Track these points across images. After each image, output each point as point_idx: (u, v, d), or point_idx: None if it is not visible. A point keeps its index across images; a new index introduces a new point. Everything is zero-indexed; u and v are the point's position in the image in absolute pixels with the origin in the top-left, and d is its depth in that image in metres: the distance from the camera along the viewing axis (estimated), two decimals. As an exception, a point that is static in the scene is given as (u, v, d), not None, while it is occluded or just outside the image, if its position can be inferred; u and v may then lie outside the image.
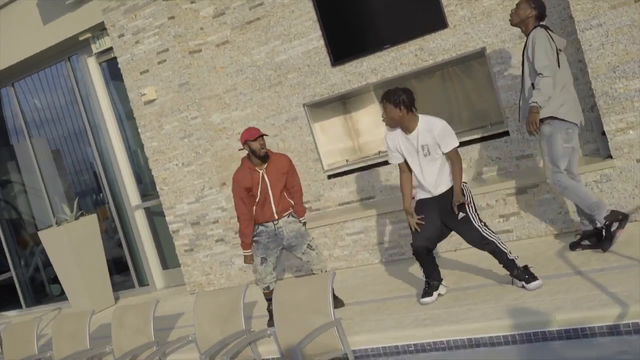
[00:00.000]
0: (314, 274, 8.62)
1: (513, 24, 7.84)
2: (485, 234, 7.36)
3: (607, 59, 8.02)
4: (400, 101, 7.43)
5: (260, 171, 8.40)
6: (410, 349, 7.15)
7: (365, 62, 10.32)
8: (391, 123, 7.60)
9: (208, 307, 8.35)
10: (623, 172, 8.16)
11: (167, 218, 12.01)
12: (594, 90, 8.16)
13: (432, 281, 7.77)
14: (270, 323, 8.29)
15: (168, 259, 13.07)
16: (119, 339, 9.00)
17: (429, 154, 7.46)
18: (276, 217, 8.49)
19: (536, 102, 7.43)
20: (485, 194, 9.02)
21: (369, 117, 10.93)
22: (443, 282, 7.89)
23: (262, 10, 11.04)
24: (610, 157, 8.26)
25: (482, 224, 7.43)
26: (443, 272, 8.01)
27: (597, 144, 8.74)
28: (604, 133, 8.29)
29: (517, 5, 7.78)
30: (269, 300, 8.56)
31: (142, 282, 13.48)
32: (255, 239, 8.57)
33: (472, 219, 7.42)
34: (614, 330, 6.06)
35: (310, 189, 11.12)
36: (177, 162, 11.66)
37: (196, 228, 11.70)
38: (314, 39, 10.69)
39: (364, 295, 8.78)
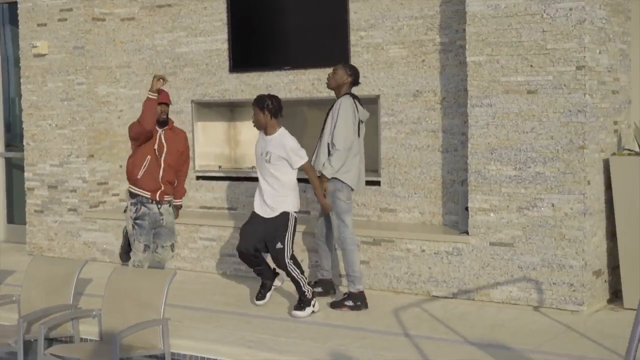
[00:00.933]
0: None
1: (329, 88, 8.59)
2: (289, 269, 8.13)
3: (489, 139, 8.24)
4: (265, 106, 8.19)
5: (159, 130, 8.40)
6: (228, 366, 7.17)
7: (263, 77, 10.35)
8: (257, 125, 8.38)
9: (41, 272, 8.17)
10: (475, 250, 8.37)
11: (25, 174, 11.75)
12: (469, 165, 8.37)
13: (264, 280, 8.47)
14: None
15: (16, 215, 12.77)
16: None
17: (269, 162, 8.14)
18: (157, 197, 8.40)
19: (325, 174, 8.27)
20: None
21: (253, 131, 10.85)
22: (277, 280, 8.60)
23: (176, -3, 10.99)
24: (467, 233, 8.47)
25: (290, 260, 8.16)
26: (281, 299, 8.04)
27: (458, 217, 8.95)
28: (467, 208, 8.49)
29: (334, 70, 8.51)
30: None
31: (-17, 230, 13.12)
32: (137, 222, 8.39)
33: (285, 254, 8.13)
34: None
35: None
36: (51, 122, 11.43)
37: (52, 191, 11.48)
38: (219, 41, 10.67)
39: (199, 302, 8.76)
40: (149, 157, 8.35)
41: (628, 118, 8.69)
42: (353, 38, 9.73)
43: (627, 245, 7.99)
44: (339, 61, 9.64)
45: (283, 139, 8.17)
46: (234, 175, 10.73)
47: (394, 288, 8.90)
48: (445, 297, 8.51)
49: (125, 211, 8.68)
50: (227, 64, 10.63)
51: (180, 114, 10.93)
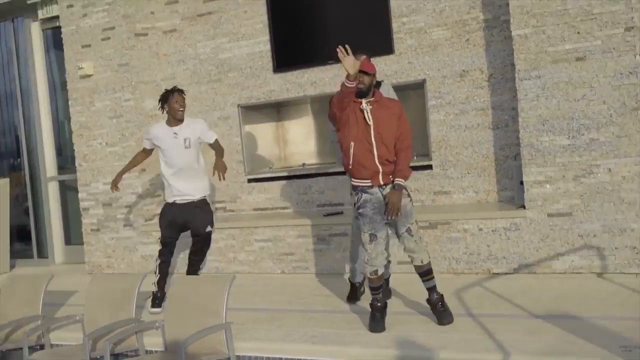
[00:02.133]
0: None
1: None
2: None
3: (539, 111, 8.09)
4: None
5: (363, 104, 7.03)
6: (295, 363, 7.12)
7: (307, 73, 10.30)
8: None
9: (102, 290, 8.21)
10: (533, 223, 8.24)
11: (79, 195, 11.84)
12: (521, 140, 8.24)
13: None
14: (373, 326, 7.19)
15: (73, 236, 12.88)
16: (5, 307, 8.82)
17: (189, 147, 8.58)
18: (381, 181, 7.07)
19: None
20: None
21: (301, 128, 10.91)
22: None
23: (215, 5, 11.00)
24: (524, 207, 8.32)
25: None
26: (335, 291, 7.95)
27: (514, 192, 8.82)
28: (522, 182, 8.35)
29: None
30: (375, 290, 7.21)
31: (42, 254, 13.25)
32: (360, 211, 7.12)
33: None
34: (493, 376, 6.06)
35: (229, 189, 11.05)
36: (101, 141, 11.51)
37: (107, 209, 11.55)
38: (261, 43, 10.65)
39: (260, 303, 8.72)
40: (352, 143, 7.05)
41: (680, 74, 8.46)
42: (395, 25, 9.66)
43: (688, 204, 7.78)
44: (383, 49, 9.61)
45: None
46: (285, 174, 10.68)
47: (454, 269, 8.80)
48: (507, 274, 8.40)
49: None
50: (270, 64, 10.61)
51: (227, 120, 10.94)
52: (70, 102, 11.81)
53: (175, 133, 8.62)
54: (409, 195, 7.07)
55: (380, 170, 7.01)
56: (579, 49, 7.88)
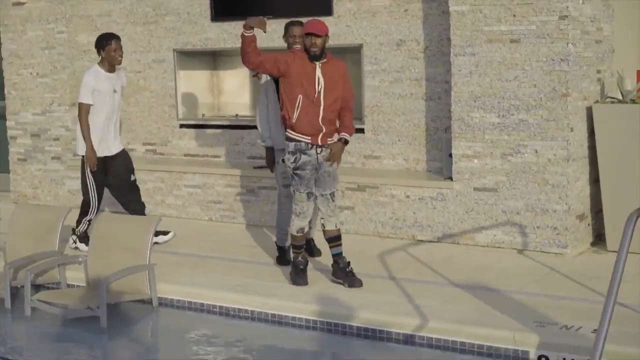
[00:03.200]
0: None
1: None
2: None
3: (472, 87, 8.29)
4: None
5: (316, 64, 7.22)
6: (215, 309, 7.25)
7: (245, 25, 10.29)
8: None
9: (26, 220, 8.22)
10: (459, 195, 8.47)
11: (7, 123, 11.70)
12: (452, 113, 8.43)
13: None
14: (296, 279, 7.37)
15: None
16: None
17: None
18: (320, 141, 7.23)
19: None
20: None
21: (235, 79, 10.93)
22: None
23: (156, -57, 10.89)
24: (451, 178, 8.55)
25: None
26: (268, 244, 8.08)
27: (442, 164, 9.01)
28: (451, 155, 8.56)
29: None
30: (298, 248, 7.44)
31: (-34, 179, 13.04)
32: (297, 172, 7.23)
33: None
34: (408, 340, 6.31)
35: (160, 132, 11.02)
36: (32, 71, 11.37)
37: (35, 140, 11.45)
38: (202, -11, 10.61)
39: (185, 248, 8.81)
40: (300, 96, 7.18)
41: (611, 67, 8.75)
42: (336, -14, 9.70)
43: (610, 190, 8.09)
44: (323, 10, 9.64)
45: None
46: (217, 123, 10.72)
47: (379, 233, 8.99)
48: (430, 242, 8.61)
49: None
50: (208, 12, 10.55)
51: (162, 63, 10.88)
52: (1, 29, 11.61)
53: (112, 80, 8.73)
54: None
55: (324, 130, 7.21)
56: (514, 32, 8.05)
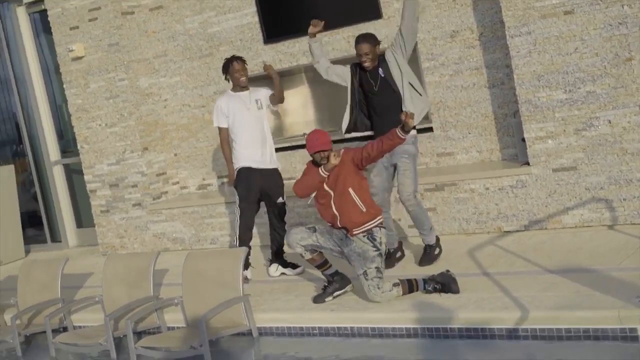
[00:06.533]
0: None
1: (371, 67, 8.01)
2: None
3: (533, 67, 8.21)
4: None
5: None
6: (315, 331, 7.29)
7: (298, 43, 10.35)
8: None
9: (118, 270, 8.37)
10: (538, 179, 8.37)
11: (85, 177, 11.92)
12: (518, 97, 8.35)
13: None
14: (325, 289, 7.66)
15: (83, 218, 12.96)
16: (24, 292, 8.99)
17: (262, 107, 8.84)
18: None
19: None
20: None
21: (297, 98, 10.98)
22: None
23: (199, -21, 11.02)
24: (528, 164, 8.46)
25: None
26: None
27: (516, 150, 8.94)
28: (523, 140, 8.48)
29: (367, 52, 7.94)
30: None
31: (55, 238, 13.35)
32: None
33: None
34: (512, 334, 6.26)
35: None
36: (100, 122, 11.57)
37: (114, 190, 11.65)
38: (249, 14, 10.69)
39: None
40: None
41: (671, 23, 8.58)
42: (381, -12, 9.70)
43: (691, 150, 7.93)
44: (372, 15, 9.66)
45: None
46: (286, 145, 10.74)
47: (465, 230, 8.95)
48: (518, 231, 8.53)
49: None
50: (260, 36, 10.66)
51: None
52: (65, 85, 11.85)
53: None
54: (374, 246, 7.35)
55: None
56: (566, 3, 7.94)
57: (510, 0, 8.23)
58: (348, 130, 8.25)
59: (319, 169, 7.35)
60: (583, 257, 7.34)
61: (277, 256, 8.81)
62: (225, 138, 8.78)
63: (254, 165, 8.66)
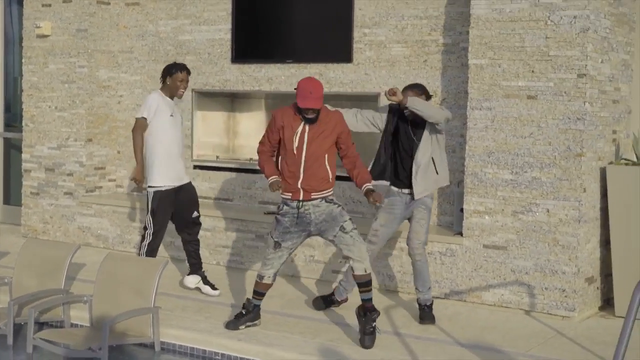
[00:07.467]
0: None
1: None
2: None
3: (487, 142, 8.26)
4: None
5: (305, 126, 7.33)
6: (217, 357, 7.20)
7: (265, 68, 10.34)
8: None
9: (34, 255, 8.21)
10: (468, 252, 8.40)
11: (23, 155, 11.75)
12: (466, 168, 8.40)
13: None
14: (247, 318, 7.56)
15: (12, 196, 12.76)
16: None
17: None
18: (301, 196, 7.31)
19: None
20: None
21: (252, 122, 10.95)
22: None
23: (182, -15, 10.99)
24: (461, 234, 8.50)
25: None
26: (273, 292, 8.05)
27: (453, 219, 8.97)
28: (462, 210, 8.52)
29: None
30: (256, 294, 7.56)
31: (-20, 209, 13.12)
32: (277, 217, 7.44)
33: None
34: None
35: (173, 173, 11.03)
36: (50, 104, 11.43)
37: (49, 174, 11.49)
38: (222, 30, 10.66)
39: (191, 292, 8.76)
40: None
41: (627, 128, 8.72)
42: (356, 34, 9.73)
43: (620, 254, 8.02)
44: (342, 57, 9.69)
45: None
46: (231, 166, 10.72)
47: (387, 286, 8.93)
48: (437, 298, 8.49)
49: None
50: (229, 54, 10.63)
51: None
52: (23, 60, 11.70)
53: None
54: (335, 203, 7.30)
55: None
56: (532, 88, 8.03)
57: (479, 73, 8.29)
58: (374, 178, 7.80)
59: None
60: (495, 336, 7.36)
61: (199, 268, 8.71)
62: (142, 127, 8.43)
63: (176, 184, 8.52)
